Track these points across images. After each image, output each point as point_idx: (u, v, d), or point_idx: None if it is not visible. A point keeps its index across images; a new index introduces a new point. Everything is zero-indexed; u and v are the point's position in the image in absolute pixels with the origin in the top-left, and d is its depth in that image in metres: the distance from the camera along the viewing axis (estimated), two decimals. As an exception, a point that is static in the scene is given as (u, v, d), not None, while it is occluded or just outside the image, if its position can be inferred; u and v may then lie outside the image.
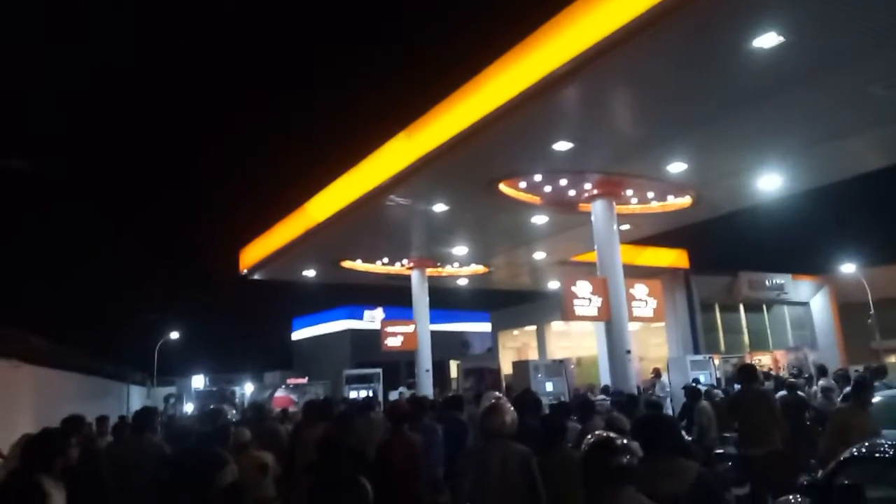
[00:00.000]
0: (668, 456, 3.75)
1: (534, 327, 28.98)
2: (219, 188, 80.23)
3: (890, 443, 3.78)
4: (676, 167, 12.88)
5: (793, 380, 10.98)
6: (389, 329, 20.96)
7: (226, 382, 34.12)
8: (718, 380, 16.52)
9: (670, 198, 15.41)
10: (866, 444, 3.86)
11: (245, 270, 20.13)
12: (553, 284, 23.52)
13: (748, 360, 18.78)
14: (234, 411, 10.28)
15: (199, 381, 40.26)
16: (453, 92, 11.22)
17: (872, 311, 24.40)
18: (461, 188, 13.61)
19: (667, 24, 7.73)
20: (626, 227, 15.84)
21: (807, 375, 14.74)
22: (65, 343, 17.41)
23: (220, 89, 76.57)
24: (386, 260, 20.49)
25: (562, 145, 11.41)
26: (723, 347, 23.77)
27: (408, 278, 20.75)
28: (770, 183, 14.33)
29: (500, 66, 10.18)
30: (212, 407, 7.06)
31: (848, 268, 25.34)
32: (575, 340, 26.61)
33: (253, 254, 19.55)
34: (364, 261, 20.29)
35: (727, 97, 9.77)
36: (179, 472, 4.84)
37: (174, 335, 32.62)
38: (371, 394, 17.79)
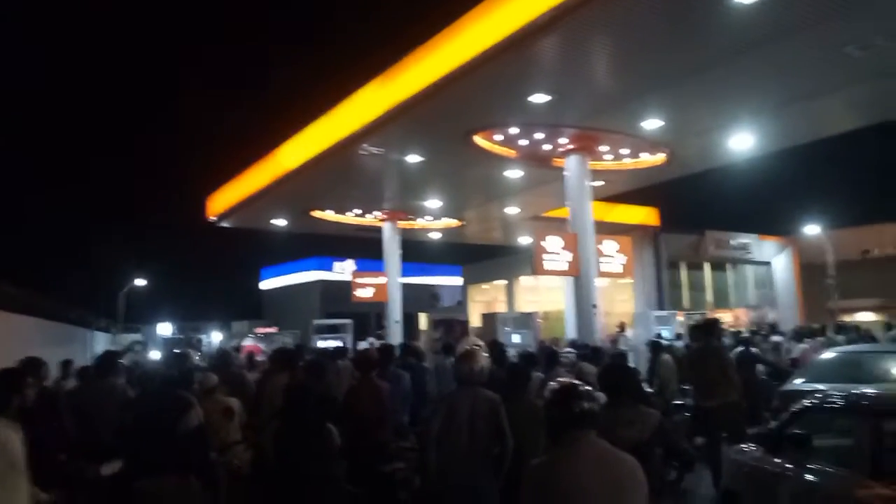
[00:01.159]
0: (630, 404, 3.83)
1: (504, 282, 29.24)
2: (186, 133, 78.23)
3: (836, 395, 3.93)
4: (652, 123, 12.86)
5: (746, 336, 11.32)
6: (360, 280, 20.93)
7: (193, 331, 33.93)
8: (679, 335, 16.92)
9: (644, 155, 15.44)
10: (816, 396, 4.01)
11: (213, 217, 19.79)
12: (524, 239, 23.64)
13: (709, 317, 19.26)
14: (199, 357, 10.22)
15: (165, 329, 39.93)
16: (429, 39, 10.95)
17: (833, 272, 25.09)
18: (436, 139, 13.44)
19: (648, -25, 7.59)
20: (599, 183, 15.87)
21: (764, 333, 15.20)
22: (27, 288, 17.03)
23: (196, 25, 73.87)
24: (358, 211, 20.31)
25: (538, 97, 11.28)
26: (687, 304, 24.31)
27: (379, 230, 20.63)
28: (742, 142, 14.44)
29: (477, 13, 9.93)
30: (177, 351, 7.00)
31: (812, 229, 25.89)
32: (543, 295, 26.94)
33: (221, 201, 19.19)
34: (335, 211, 20.08)
35: (705, 52, 9.71)
36: (143, 416, 4.80)
37: (140, 282, 32.13)
38: (342, 344, 17.86)
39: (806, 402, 4.09)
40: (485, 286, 31.60)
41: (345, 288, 22.83)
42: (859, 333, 14.04)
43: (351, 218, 20.73)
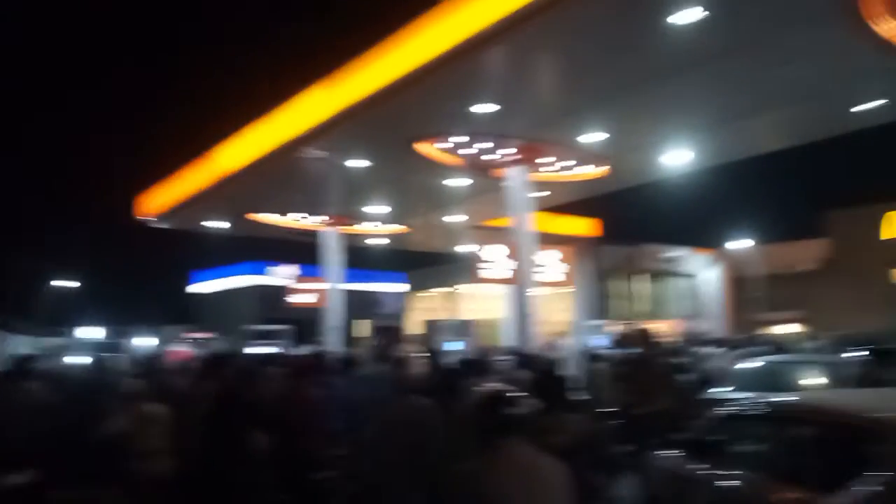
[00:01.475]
0: (561, 411, 3.89)
1: (446, 289, 29.31)
2: (121, 128, 75.41)
3: (754, 403, 4.09)
4: (594, 136, 13.17)
5: (678, 346, 11.72)
6: (299, 286, 20.59)
7: (120, 335, 32.57)
8: (615, 343, 17.29)
9: (586, 167, 15.78)
10: (737, 403, 4.18)
11: (144, 217, 19.10)
12: (467, 248, 23.78)
13: (641, 327, 19.78)
14: (125, 363, 9.82)
15: (92, 332, 38.18)
16: (375, 45, 10.91)
17: (758, 286, 26.25)
18: (379, 145, 13.37)
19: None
20: (544, 193, 16.12)
21: (694, 343, 15.70)
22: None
23: (135, 19, 71.41)
24: (300, 215, 19.98)
25: (481, 108, 11.39)
26: (624, 314, 24.97)
27: (318, 235, 20.35)
28: (679, 157, 14.94)
29: (424, 22, 9.97)
30: (102, 356, 6.71)
31: (742, 243, 27.01)
32: (483, 303, 27.13)
33: (154, 201, 18.54)
34: (277, 213, 19.70)
35: (646, 69, 10.01)
36: (61, 423, 4.57)
37: (65, 283, 30.66)
38: (278, 350, 17.50)
39: (726, 410, 4.25)
40: (427, 293, 31.61)
41: (285, 293, 22.42)
42: (778, 345, 14.73)
43: (291, 221, 20.37)
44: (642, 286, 27.09)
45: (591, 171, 15.93)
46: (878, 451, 2.86)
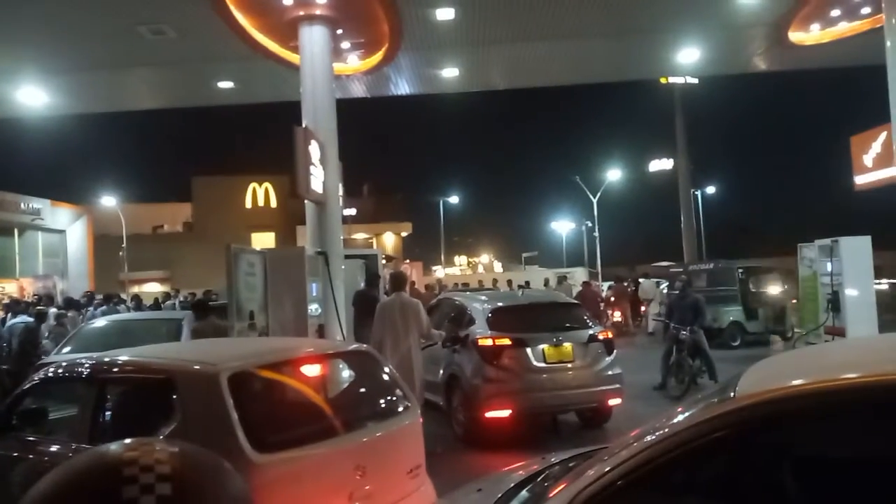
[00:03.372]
0: None
1: None
2: None
3: (74, 363, 3.83)
4: None
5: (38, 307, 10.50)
6: None
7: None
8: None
9: None
10: (51, 369, 3.86)
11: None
12: None
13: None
14: None
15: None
16: None
17: (125, 244, 26.00)
18: None
19: None
20: None
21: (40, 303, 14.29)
22: None
23: None
24: None
25: None
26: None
27: None
28: (32, 98, 13.17)
29: None
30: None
31: (108, 200, 26.15)
32: None
33: None
34: None
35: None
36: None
37: None
38: None
39: (41, 374, 3.87)
40: None
41: None
42: (140, 302, 14.96)
43: None
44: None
45: None
46: (177, 399, 3.04)
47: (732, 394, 1.55)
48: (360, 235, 34.16)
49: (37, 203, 24.11)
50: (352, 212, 30.26)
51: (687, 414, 1.71)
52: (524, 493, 2.10)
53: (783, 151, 78.69)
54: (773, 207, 62.13)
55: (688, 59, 14.05)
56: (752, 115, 72.67)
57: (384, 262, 16.56)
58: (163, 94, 14.46)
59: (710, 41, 13.13)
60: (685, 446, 1.50)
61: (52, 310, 10.74)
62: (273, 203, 34.45)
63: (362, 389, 3.98)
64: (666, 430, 1.61)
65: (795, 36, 12.71)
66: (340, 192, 11.65)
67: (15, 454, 3.78)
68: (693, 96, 28.33)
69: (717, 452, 1.54)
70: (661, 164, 32.55)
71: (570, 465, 2.17)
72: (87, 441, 3.28)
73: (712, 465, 1.60)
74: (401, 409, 3.55)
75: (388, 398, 3.70)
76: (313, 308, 7.28)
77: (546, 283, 18.56)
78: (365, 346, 4.26)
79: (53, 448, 3.61)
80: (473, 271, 43.80)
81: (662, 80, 23.78)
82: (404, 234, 38.38)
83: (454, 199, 41.94)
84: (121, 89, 13.63)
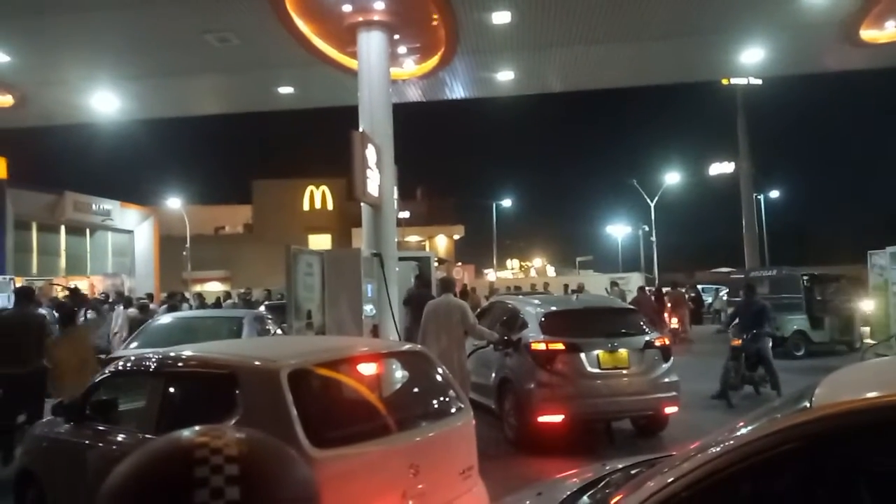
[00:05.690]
0: None
1: None
2: None
3: (141, 358, 4.01)
4: (-5, 56, 10.92)
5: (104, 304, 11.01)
6: None
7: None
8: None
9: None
10: (121, 363, 4.04)
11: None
12: None
13: (70, 284, 17.81)
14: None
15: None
16: None
17: (188, 244, 26.93)
18: None
19: None
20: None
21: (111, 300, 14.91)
22: None
23: None
24: None
25: None
26: (35, 269, 21.87)
27: None
28: (106, 103, 13.82)
29: None
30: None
31: (173, 202, 27.15)
32: None
33: None
34: None
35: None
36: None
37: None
38: None
39: (111, 368, 4.06)
40: None
41: None
42: (202, 300, 15.44)
43: None
44: (63, 239, 24.33)
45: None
46: (239, 393, 3.14)
47: (808, 404, 1.50)
48: (412, 238, 34.46)
49: (107, 204, 25.24)
50: (405, 214, 30.57)
51: (755, 424, 1.66)
52: (585, 498, 2.08)
53: (849, 154, 75.25)
54: (838, 213, 59.40)
55: (752, 59, 13.62)
56: (818, 116, 69.84)
57: (436, 264, 16.59)
58: (226, 99, 14.94)
59: (776, 40, 12.69)
60: (754, 458, 1.45)
61: (119, 307, 11.20)
62: (330, 205, 35.13)
63: (416, 389, 4.01)
64: (732, 441, 1.56)
65: (868, 34, 12.17)
66: (395, 195, 11.78)
67: (87, 441, 3.96)
68: (756, 97, 27.46)
69: (789, 465, 1.49)
70: (721, 168, 31.65)
71: (633, 472, 2.13)
72: (153, 431, 3.41)
73: (783, 477, 1.55)
74: (454, 409, 3.55)
75: (442, 399, 3.71)
76: (368, 308, 7.39)
77: (610, 287, 16.31)
78: (419, 346, 4.29)
79: (122, 437, 3.76)
80: (526, 275, 43.55)
81: (724, 82, 23.14)
82: (456, 236, 38.47)
83: (507, 203, 41.77)
84: (187, 95, 14.14)
